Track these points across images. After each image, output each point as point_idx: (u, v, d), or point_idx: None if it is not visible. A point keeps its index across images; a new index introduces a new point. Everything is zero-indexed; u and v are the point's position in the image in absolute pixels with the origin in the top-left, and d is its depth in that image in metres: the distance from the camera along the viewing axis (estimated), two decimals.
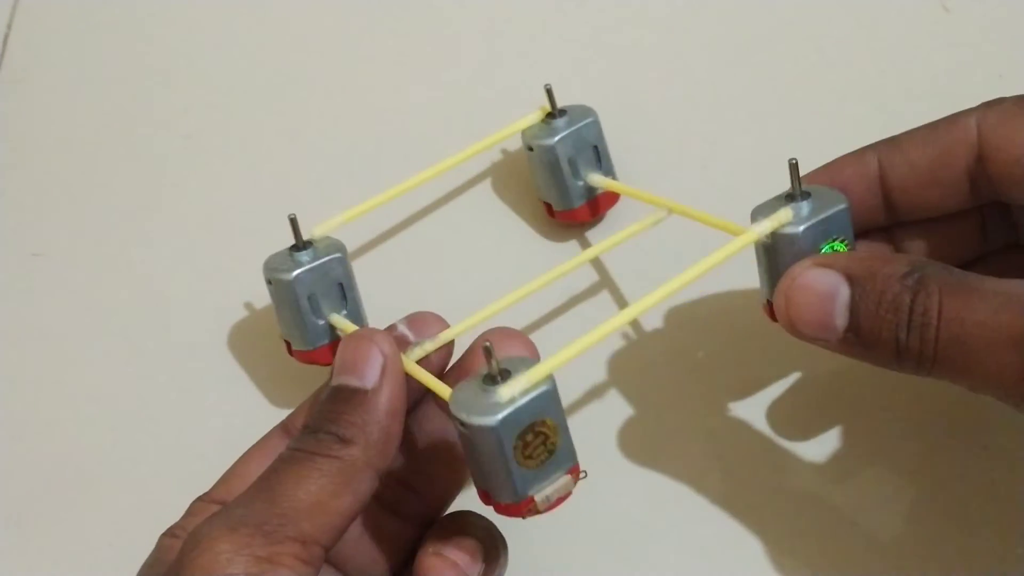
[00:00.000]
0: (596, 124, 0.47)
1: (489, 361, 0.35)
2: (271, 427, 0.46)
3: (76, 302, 0.49)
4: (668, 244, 0.45)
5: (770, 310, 0.39)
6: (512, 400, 0.34)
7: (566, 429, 0.36)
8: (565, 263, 0.43)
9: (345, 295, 0.44)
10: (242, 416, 0.47)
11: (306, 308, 0.43)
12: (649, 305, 0.37)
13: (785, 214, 0.38)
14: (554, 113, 0.47)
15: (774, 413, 0.45)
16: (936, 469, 0.44)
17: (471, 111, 0.52)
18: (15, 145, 0.53)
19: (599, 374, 0.46)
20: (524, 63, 0.53)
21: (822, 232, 0.38)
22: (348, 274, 0.44)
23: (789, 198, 0.38)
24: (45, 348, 0.49)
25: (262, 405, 0.47)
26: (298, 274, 0.43)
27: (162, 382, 0.48)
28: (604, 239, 0.44)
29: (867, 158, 0.41)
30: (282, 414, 0.46)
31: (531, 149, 0.47)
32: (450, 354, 0.41)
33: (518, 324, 0.45)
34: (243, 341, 0.48)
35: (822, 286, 0.36)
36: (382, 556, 0.40)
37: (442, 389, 0.37)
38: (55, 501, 0.46)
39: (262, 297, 0.49)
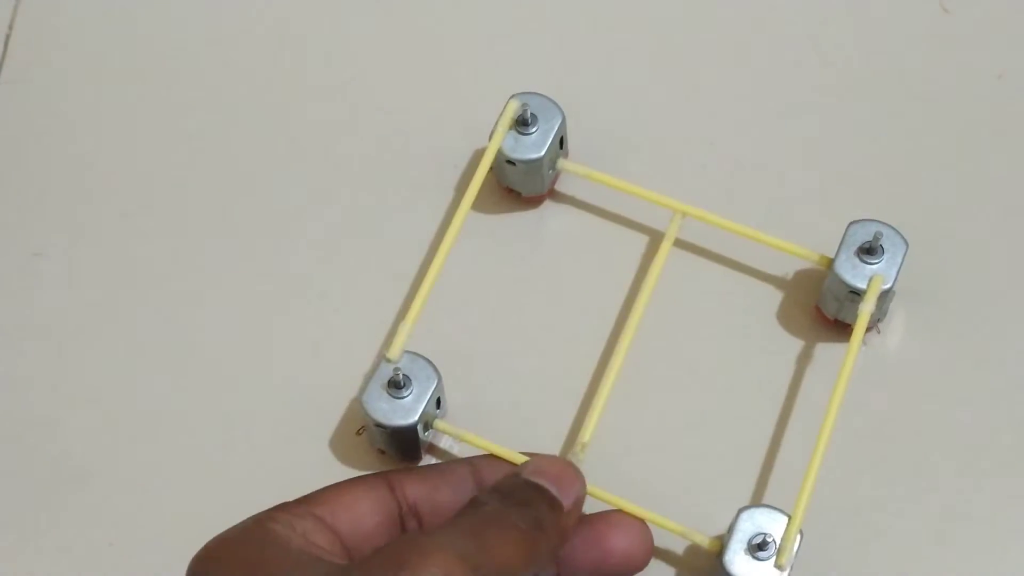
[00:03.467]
0: (564, 122, 0.47)
1: None
2: (271, 429, 0.46)
3: (76, 302, 0.49)
4: None
5: (817, 313, 0.46)
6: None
7: None
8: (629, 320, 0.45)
9: (439, 403, 0.45)
10: (241, 416, 0.47)
11: (421, 435, 0.44)
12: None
13: (879, 281, 0.44)
14: (527, 120, 0.47)
15: None
16: None
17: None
18: (15, 145, 0.53)
19: None
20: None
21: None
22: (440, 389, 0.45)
23: (868, 252, 0.44)
24: (45, 348, 0.49)
25: (261, 405, 0.47)
26: (415, 421, 0.43)
27: (161, 382, 0.48)
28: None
29: None
30: (281, 413, 0.46)
31: (512, 163, 0.47)
32: None
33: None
34: (243, 342, 0.48)
35: None
36: None
37: None
38: (55, 501, 0.46)
39: (261, 296, 0.49)
